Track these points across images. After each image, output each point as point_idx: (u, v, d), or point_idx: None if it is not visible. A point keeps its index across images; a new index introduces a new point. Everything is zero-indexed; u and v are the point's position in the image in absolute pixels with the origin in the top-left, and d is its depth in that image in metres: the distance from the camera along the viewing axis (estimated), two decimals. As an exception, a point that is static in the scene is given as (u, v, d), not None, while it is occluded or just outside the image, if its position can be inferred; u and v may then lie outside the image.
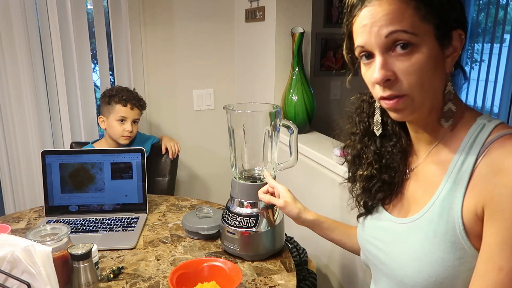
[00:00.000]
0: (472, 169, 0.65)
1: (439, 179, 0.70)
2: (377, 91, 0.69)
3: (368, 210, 0.86)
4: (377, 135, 0.82)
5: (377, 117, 0.80)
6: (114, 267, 1.10)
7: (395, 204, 0.81)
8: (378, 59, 0.66)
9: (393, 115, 0.71)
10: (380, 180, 0.82)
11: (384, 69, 0.65)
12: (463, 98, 0.79)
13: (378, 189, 0.82)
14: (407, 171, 0.80)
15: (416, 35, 0.63)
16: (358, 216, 0.90)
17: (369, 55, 0.68)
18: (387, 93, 0.67)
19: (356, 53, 0.71)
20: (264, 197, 1.07)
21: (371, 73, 0.68)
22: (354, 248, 1.00)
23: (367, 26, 0.66)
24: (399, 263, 0.73)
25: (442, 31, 0.65)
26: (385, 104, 0.69)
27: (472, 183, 0.65)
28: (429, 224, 0.69)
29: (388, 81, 0.66)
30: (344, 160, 0.93)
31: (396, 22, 0.63)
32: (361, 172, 0.85)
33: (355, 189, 0.89)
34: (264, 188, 1.10)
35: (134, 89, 2.00)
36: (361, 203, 0.87)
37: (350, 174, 0.91)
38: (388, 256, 0.77)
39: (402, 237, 0.74)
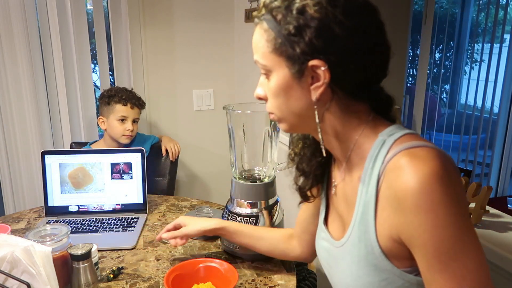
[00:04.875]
0: (376, 190, 0.64)
1: (354, 200, 0.69)
2: None
3: (302, 195, 0.85)
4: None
5: None
6: (114, 267, 1.10)
7: (332, 222, 0.81)
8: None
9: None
10: (300, 167, 0.82)
11: (259, 88, 0.73)
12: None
13: (300, 175, 0.83)
14: (333, 185, 0.79)
15: (265, 65, 0.68)
16: (299, 204, 0.90)
17: None
18: (266, 108, 0.74)
19: None
20: (167, 235, 1.11)
21: None
22: (266, 249, 1.05)
23: None
24: (340, 286, 0.74)
25: (291, 62, 0.65)
26: None
27: (380, 205, 0.64)
28: (352, 249, 0.69)
29: (261, 99, 0.73)
30: None
31: (255, 52, 0.70)
32: (288, 152, 0.86)
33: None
34: (169, 228, 1.14)
35: (132, 88, 2.01)
36: (297, 185, 0.87)
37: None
38: (332, 278, 0.78)
39: (338, 261, 0.74)
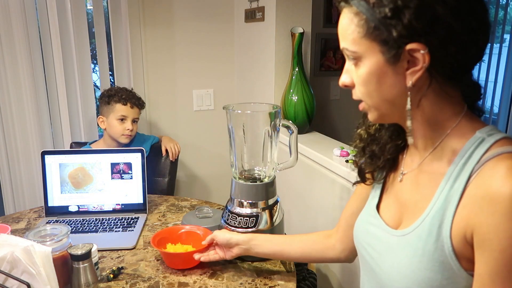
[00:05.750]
0: (464, 187, 0.62)
1: (431, 192, 0.67)
2: None
3: (360, 176, 0.85)
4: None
5: None
6: (114, 267, 1.10)
7: (388, 208, 0.79)
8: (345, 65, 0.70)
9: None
10: (369, 149, 0.81)
11: (344, 75, 0.70)
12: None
13: (368, 157, 0.81)
14: (400, 173, 0.77)
15: (355, 51, 0.65)
16: (354, 183, 0.89)
17: None
18: (353, 95, 0.71)
19: None
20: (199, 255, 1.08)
21: None
22: (302, 252, 1.01)
23: None
24: (388, 276, 0.72)
25: (386, 46, 0.61)
26: None
27: (462, 203, 0.62)
28: (418, 241, 0.66)
29: (348, 87, 0.70)
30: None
31: (342, 38, 0.67)
32: (358, 131, 0.84)
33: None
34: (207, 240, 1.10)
35: (132, 88, 2.01)
36: (358, 165, 0.85)
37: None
38: (378, 266, 0.75)
39: (393, 250, 0.72)
